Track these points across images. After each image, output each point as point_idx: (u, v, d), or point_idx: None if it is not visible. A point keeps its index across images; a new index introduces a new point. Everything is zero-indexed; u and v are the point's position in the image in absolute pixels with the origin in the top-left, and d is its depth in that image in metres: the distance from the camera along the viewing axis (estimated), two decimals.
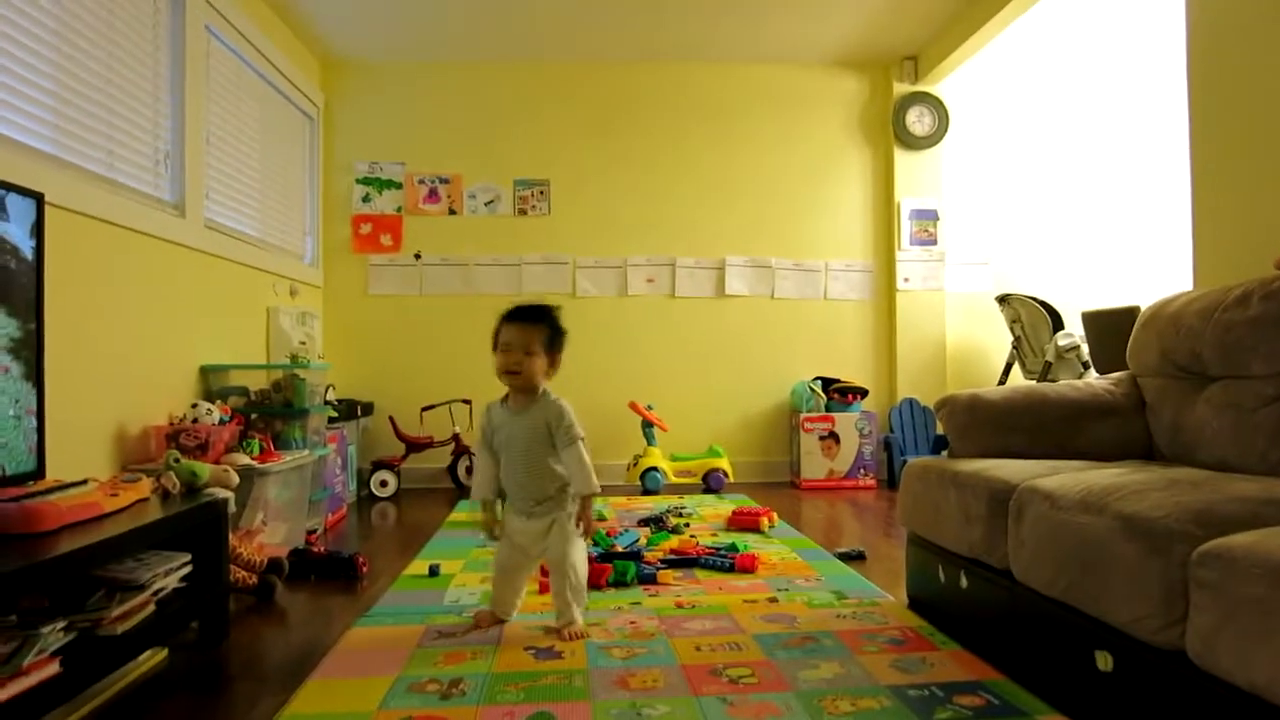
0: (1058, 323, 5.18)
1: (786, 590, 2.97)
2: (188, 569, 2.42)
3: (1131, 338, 2.78)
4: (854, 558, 3.47)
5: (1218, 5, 2.99)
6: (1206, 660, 1.44)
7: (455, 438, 5.46)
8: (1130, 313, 3.39)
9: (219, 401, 3.65)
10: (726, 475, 5.46)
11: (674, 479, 5.45)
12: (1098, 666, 1.77)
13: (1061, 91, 6.09)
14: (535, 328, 2.46)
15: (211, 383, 3.89)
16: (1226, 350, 2.35)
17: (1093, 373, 4.70)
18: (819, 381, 5.75)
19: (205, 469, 2.77)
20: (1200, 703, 1.48)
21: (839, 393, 5.67)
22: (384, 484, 5.31)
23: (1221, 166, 2.96)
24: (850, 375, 5.90)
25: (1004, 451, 2.59)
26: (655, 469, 5.38)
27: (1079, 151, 6.09)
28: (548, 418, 2.46)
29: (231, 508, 2.74)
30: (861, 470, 5.60)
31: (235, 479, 2.86)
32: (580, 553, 2.55)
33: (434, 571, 3.25)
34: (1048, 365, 5.05)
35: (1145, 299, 2.96)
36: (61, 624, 1.87)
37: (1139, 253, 5.86)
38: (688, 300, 5.93)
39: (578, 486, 2.47)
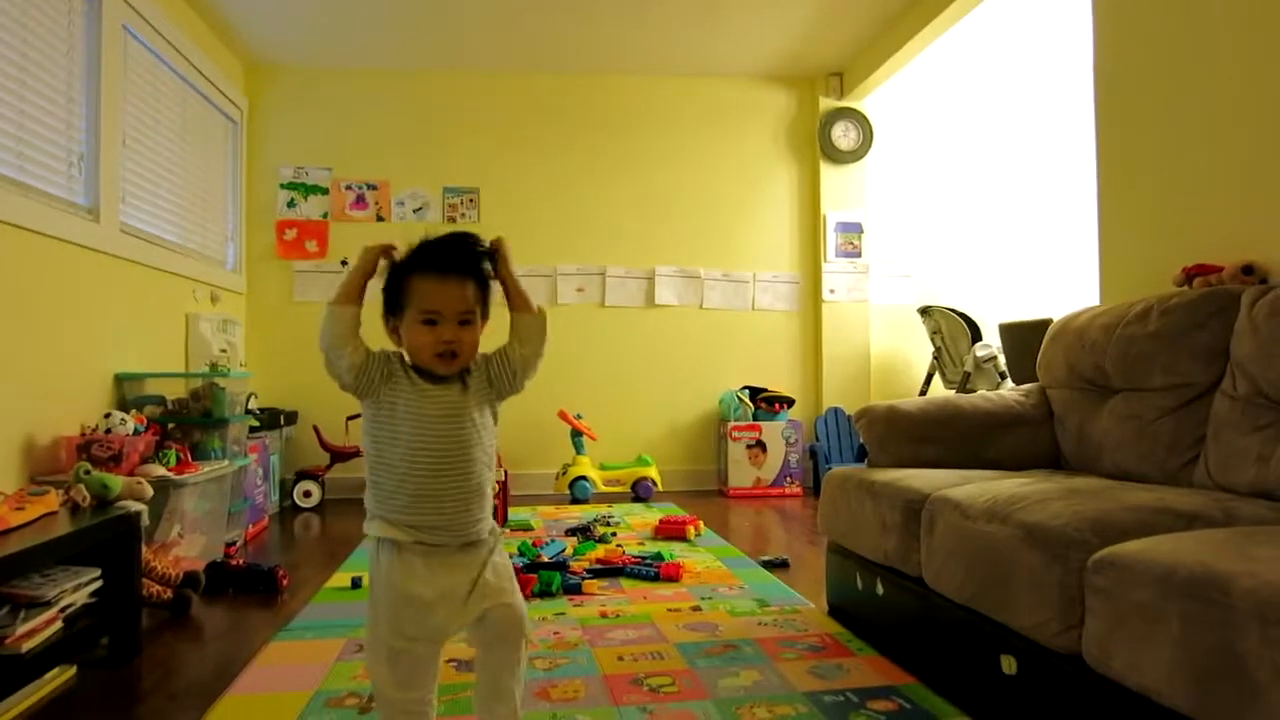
0: (976, 334, 5.33)
1: (710, 598, 3.01)
2: (97, 584, 2.36)
3: (1041, 350, 2.89)
4: (777, 565, 3.53)
5: (1122, 30, 3.12)
6: (1101, 663, 1.51)
7: None
8: (1043, 325, 3.51)
9: (134, 411, 3.56)
10: (655, 484, 5.49)
11: (603, 488, 5.47)
12: (1003, 670, 1.84)
13: (980, 109, 6.28)
14: (470, 281, 1.55)
15: (126, 391, 3.78)
16: (1128, 363, 2.46)
17: (1009, 383, 4.84)
18: (747, 391, 5.83)
19: (117, 481, 2.70)
20: (1096, 704, 1.54)
21: (766, 402, 5.76)
22: (307, 494, 5.22)
23: (1126, 186, 3.09)
24: (777, 385, 5.98)
25: (920, 461, 2.67)
26: (584, 478, 5.39)
27: (997, 167, 6.28)
28: (487, 376, 1.59)
29: (145, 521, 2.68)
30: (788, 478, 5.68)
31: (149, 491, 2.79)
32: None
33: (357, 584, 3.21)
34: (966, 375, 5.20)
35: (1059, 312, 3.07)
36: None
37: (1054, 266, 6.07)
38: (617, 309, 5.96)
39: (523, 321, 1.63)
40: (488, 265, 1.58)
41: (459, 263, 1.55)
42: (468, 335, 1.54)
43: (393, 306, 1.58)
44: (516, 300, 1.61)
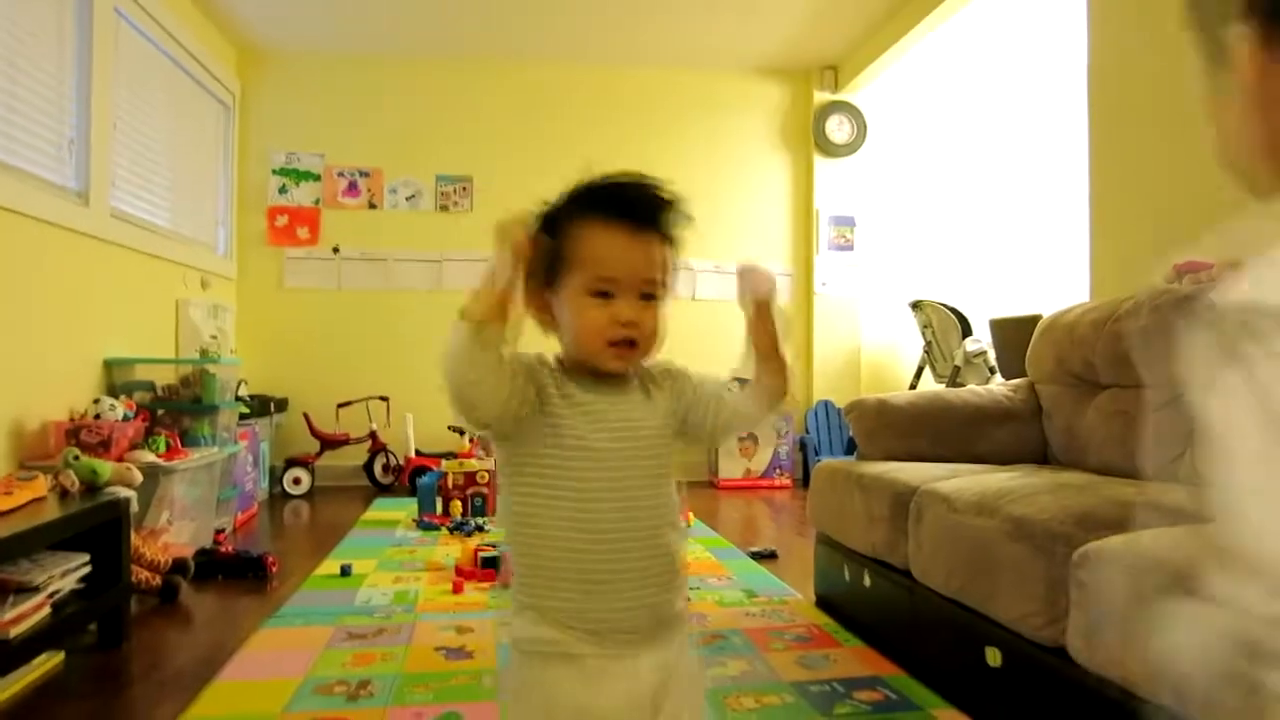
0: (967, 329, 5.35)
1: (698, 589, 3.02)
2: (86, 570, 2.36)
3: (1030, 346, 2.90)
4: (766, 557, 3.54)
5: (1115, 26, 3.13)
6: (1084, 656, 1.52)
7: (372, 435, 5.39)
8: (1033, 320, 3.53)
9: (124, 397, 3.55)
10: None
11: None
12: (988, 662, 1.85)
13: (974, 104, 6.29)
14: (660, 238, 1.13)
15: (116, 377, 3.77)
16: (1116, 359, 2.47)
17: (998, 378, 4.86)
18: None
19: (106, 467, 2.70)
20: (1080, 696, 1.56)
21: None
22: (297, 481, 5.21)
23: (1117, 182, 3.11)
24: None
25: (909, 454, 2.68)
26: None
27: (990, 163, 6.29)
28: (677, 397, 1.19)
29: (134, 507, 2.67)
30: (778, 470, 5.70)
31: (138, 477, 2.79)
32: None
33: (346, 571, 3.21)
34: (956, 370, 5.22)
35: (1049, 308, 3.09)
36: None
37: (1045, 262, 6.08)
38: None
39: (765, 396, 1.25)
40: (675, 221, 1.15)
41: (651, 211, 1.12)
42: (650, 317, 1.10)
43: (544, 271, 1.11)
44: (771, 364, 1.23)
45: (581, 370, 1.12)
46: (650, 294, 1.10)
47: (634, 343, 1.09)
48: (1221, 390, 0.56)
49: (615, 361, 1.10)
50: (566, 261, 1.10)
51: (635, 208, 1.11)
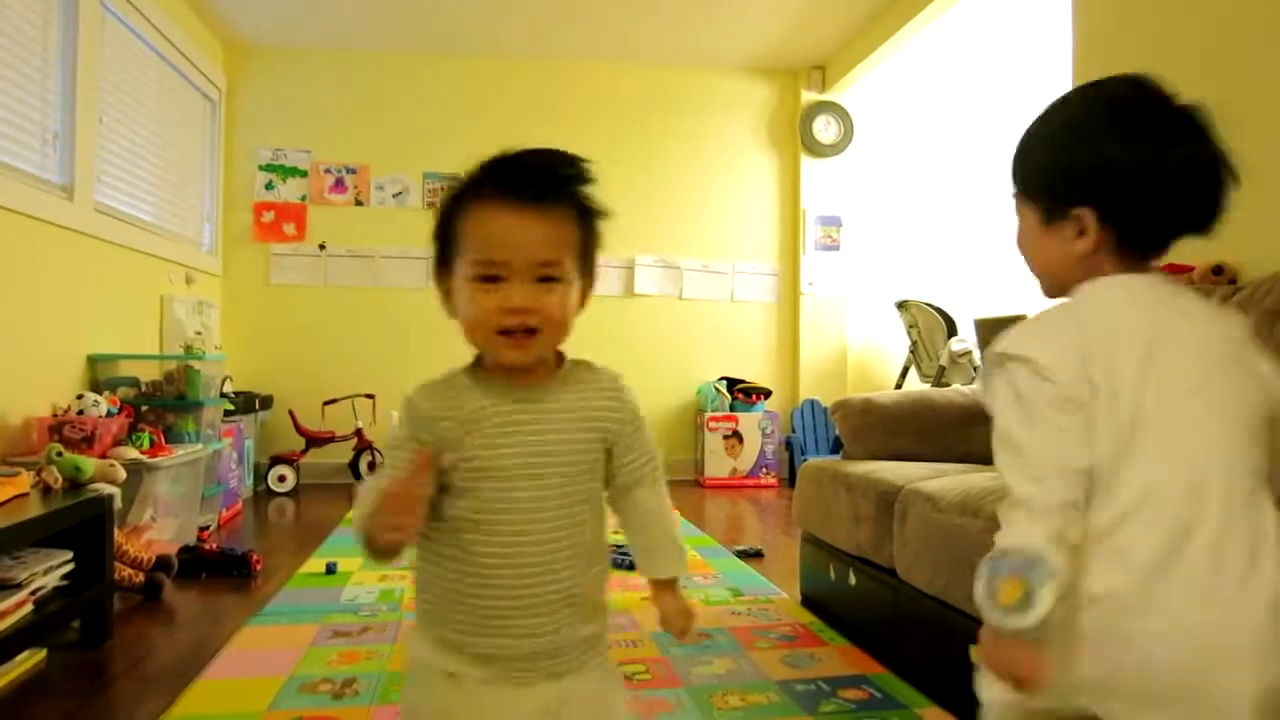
0: (952, 329, 5.38)
1: (684, 588, 3.01)
2: (69, 567, 2.35)
3: None
4: (752, 555, 3.55)
5: (1101, 29, 3.15)
6: None
7: (358, 433, 5.37)
8: (1017, 321, 3.56)
9: (107, 393, 3.53)
10: None
11: None
12: (973, 660, 1.86)
13: (961, 105, 6.31)
14: (562, 214, 1.04)
15: (100, 373, 3.75)
16: None
17: None
18: (724, 381, 5.85)
19: (90, 463, 2.68)
20: None
21: (743, 393, 5.78)
22: (282, 479, 5.19)
23: None
24: (755, 376, 6.01)
25: (894, 454, 2.69)
26: None
27: (976, 163, 6.31)
28: (603, 409, 1.09)
29: (118, 503, 2.66)
30: (764, 469, 5.71)
31: (122, 474, 2.78)
32: None
33: (331, 569, 3.20)
34: (941, 369, 5.24)
35: (1033, 308, 3.10)
36: None
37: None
38: (597, 298, 5.85)
39: (662, 563, 1.16)
40: (588, 194, 1.06)
41: (543, 181, 1.02)
42: (552, 302, 1.00)
43: (443, 255, 1.06)
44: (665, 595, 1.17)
45: (496, 371, 1.05)
46: (550, 277, 1.00)
47: (531, 329, 1.00)
48: (991, 391, 1.01)
49: (510, 352, 1.01)
50: (456, 246, 1.03)
51: (521, 182, 1.01)
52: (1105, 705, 0.95)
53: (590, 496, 1.08)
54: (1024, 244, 1.14)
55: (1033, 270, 1.15)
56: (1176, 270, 2.57)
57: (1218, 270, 2.46)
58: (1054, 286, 1.11)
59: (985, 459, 2.58)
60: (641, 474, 1.13)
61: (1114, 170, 1.00)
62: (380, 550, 0.98)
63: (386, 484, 0.97)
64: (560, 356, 1.12)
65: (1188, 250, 2.49)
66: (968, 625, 1.87)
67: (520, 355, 1.01)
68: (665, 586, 1.15)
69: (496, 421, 1.02)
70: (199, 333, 4.67)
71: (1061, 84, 3.54)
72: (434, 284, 1.08)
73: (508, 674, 1.02)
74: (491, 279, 0.99)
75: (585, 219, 1.06)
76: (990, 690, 1.09)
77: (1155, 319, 0.98)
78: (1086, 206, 1.02)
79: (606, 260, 6.21)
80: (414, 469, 0.98)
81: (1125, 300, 1.01)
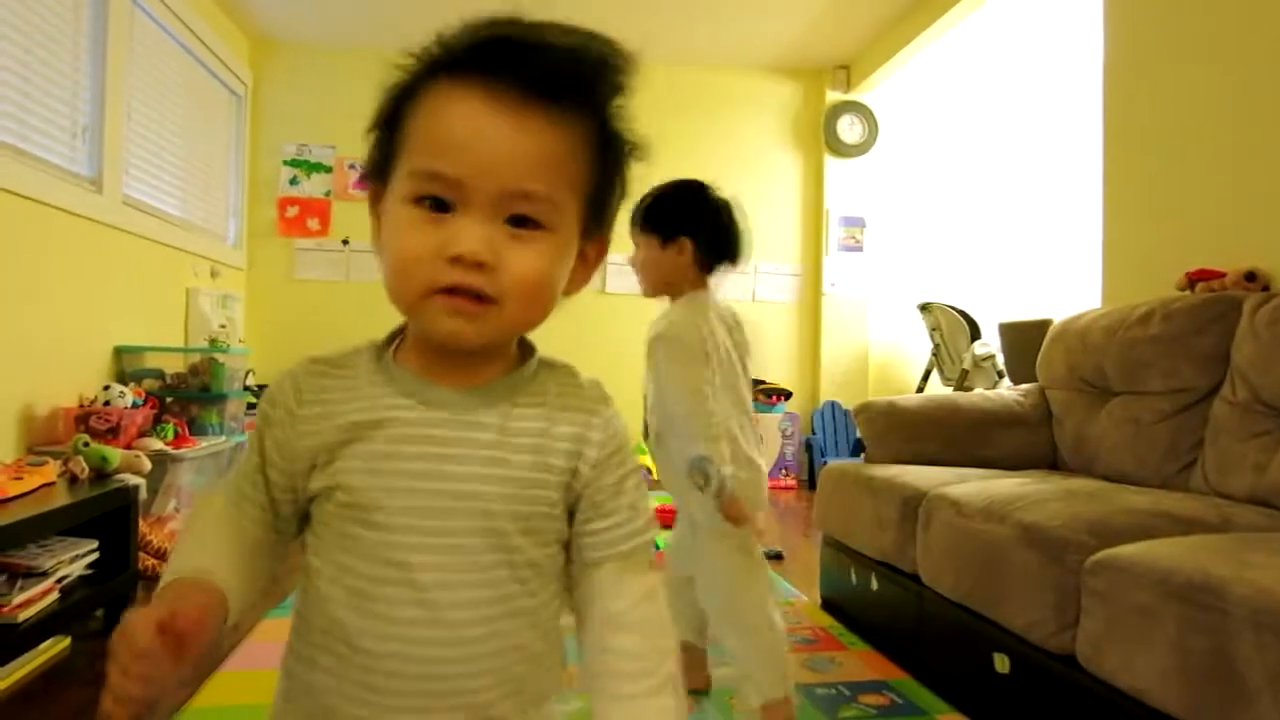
0: (975, 332, 5.34)
1: None
2: (94, 556, 2.36)
3: (1041, 351, 2.90)
4: (771, 558, 3.53)
5: (1132, 32, 3.12)
6: (1094, 663, 1.52)
7: None
8: (1043, 325, 3.52)
9: (133, 384, 3.55)
10: (650, 473, 5.49)
11: None
12: (996, 668, 1.85)
13: (987, 107, 6.27)
14: (570, 126, 0.69)
15: (126, 364, 3.78)
16: (1128, 366, 2.46)
17: (1006, 382, 4.85)
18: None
19: (116, 454, 2.70)
20: (1088, 705, 1.55)
21: (764, 393, 5.76)
22: None
23: (1130, 189, 3.09)
24: (775, 376, 5.99)
25: (918, 457, 2.67)
26: None
27: (1001, 166, 6.27)
28: (571, 438, 0.73)
29: (143, 494, 2.68)
30: (783, 471, 5.69)
31: (147, 465, 2.80)
32: None
33: None
34: (964, 373, 5.20)
35: (1058, 312, 3.08)
36: None
37: (1055, 267, 6.07)
38: (619, 297, 5.94)
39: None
40: (620, 106, 0.74)
41: (550, 63, 0.68)
42: (522, 257, 0.67)
43: (381, 162, 0.74)
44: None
45: (420, 353, 0.73)
46: (527, 218, 0.66)
47: (482, 296, 0.65)
48: (654, 357, 1.81)
49: (447, 320, 0.66)
50: (396, 150, 0.70)
51: (516, 60, 0.66)
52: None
53: (539, 567, 0.72)
54: (645, 260, 1.87)
55: (647, 276, 1.90)
56: (1211, 276, 2.54)
57: (1250, 276, 2.43)
58: (657, 287, 1.90)
59: (1009, 464, 2.57)
60: (614, 552, 0.75)
61: (701, 220, 1.84)
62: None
63: (135, 617, 0.63)
64: (524, 349, 0.76)
65: (1221, 258, 2.47)
66: (991, 632, 1.85)
67: (463, 329, 0.66)
68: None
69: (395, 434, 0.69)
70: (223, 326, 4.70)
71: (1090, 85, 3.50)
72: (368, 207, 0.77)
73: None
74: (437, 204, 0.65)
75: (607, 146, 0.71)
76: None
77: (715, 314, 1.83)
78: (687, 237, 1.82)
79: (626, 258, 6.17)
80: (143, 642, 0.61)
81: (708, 301, 1.85)
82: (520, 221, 0.66)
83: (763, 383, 5.83)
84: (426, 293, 0.66)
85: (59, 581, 2.20)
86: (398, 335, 0.76)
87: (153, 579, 2.80)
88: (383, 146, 0.73)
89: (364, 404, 0.71)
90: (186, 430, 3.51)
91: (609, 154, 0.73)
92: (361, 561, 0.69)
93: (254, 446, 0.74)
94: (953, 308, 5.49)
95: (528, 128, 0.65)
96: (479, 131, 0.65)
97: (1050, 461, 2.71)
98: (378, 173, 0.73)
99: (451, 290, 0.65)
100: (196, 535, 0.78)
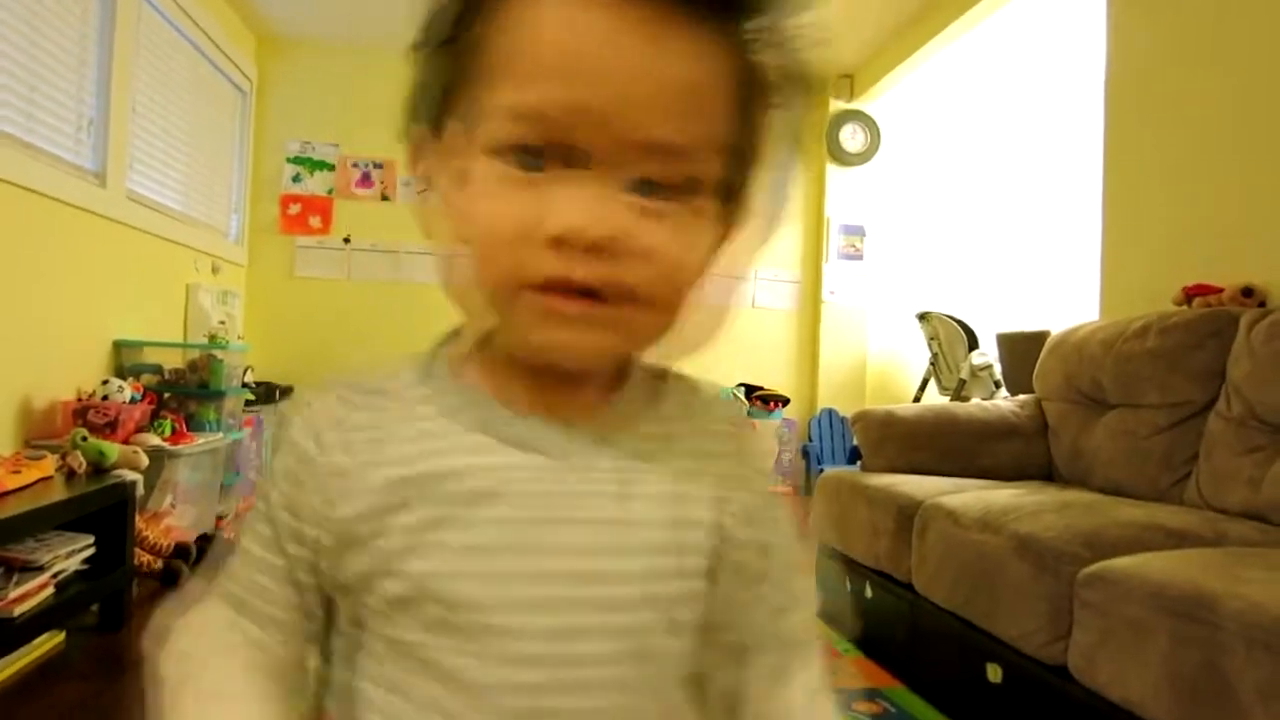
0: (973, 342, 5.34)
1: None
2: (90, 551, 2.37)
3: (1038, 362, 2.91)
4: None
5: (1134, 48, 3.13)
6: (1086, 675, 1.52)
7: None
8: (1040, 336, 3.54)
9: (131, 379, 3.55)
10: None
11: None
12: (988, 678, 1.86)
13: (989, 118, 6.28)
14: (727, 53, 0.47)
15: (124, 359, 3.78)
16: (1124, 379, 2.47)
17: (1003, 392, 4.86)
18: (742, 388, 5.83)
19: (113, 449, 2.71)
20: (1080, 716, 1.56)
21: (761, 400, 5.77)
22: None
23: (1130, 203, 3.11)
24: (773, 383, 5.99)
25: (914, 467, 2.68)
26: None
27: (1003, 177, 6.29)
28: (720, 475, 0.55)
29: (140, 490, 2.68)
30: (780, 477, 5.70)
31: (144, 460, 2.80)
32: None
33: None
34: (962, 383, 5.21)
35: (1056, 324, 3.09)
36: None
37: (1054, 279, 6.08)
38: None
39: None
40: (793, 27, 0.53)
41: None
42: (660, 235, 0.46)
43: (440, 100, 0.51)
44: None
45: (495, 365, 0.54)
46: (664, 184, 0.47)
47: (609, 294, 0.46)
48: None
49: (543, 328, 0.47)
50: (471, 76, 0.48)
51: None
52: None
53: (684, 677, 0.53)
54: None
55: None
56: (1208, 291, 2.55)
57: (1248, 292, 2.44)
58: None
59: (1005, 474, 2.58)
60: (775, 641, 0.57)
61: None
62: None
63: None
64: (629, 361, 0.56)
65: (1218, 273, 2.48)
66: (984, 642, 1.86)
67: (573, 343, 0.47)
68: None
69: (475, 488, 0.49)
70: (223, 322, 4.70)
71: (1091, 99, 3.51)
72: (408, 162, 0.54)
73: None
74: (527, 158, 0.46)
75: (756, 87, 0.51)
76: None
77: None
78: None
79: None
80: None
81: None
82: (650, 188, 0.46)
83: (760, 389, 5.84)
84: (515, 288, 0.46)
85: (55, 576, 2.20)
86: (448, 342, 0.57)
87: (147, 575, 2.80)
88: (439, 72, 0.50)
89: (418, 447, 0.51)
90: (184, 426, 3.50)
91: (768, 92, 0.52)
92: (450, 692, 0.48)
93: (261, 516, 0.54)
94: (951, 317, 5.49)
95: (670, 51, 0.44)
96: (598, 53, 0.44)
97: (1046, 473, 2.72)
98: (429, 112, 0.51)
99: (552, 285, 0.45)
100: (202, 689, 0.54)
